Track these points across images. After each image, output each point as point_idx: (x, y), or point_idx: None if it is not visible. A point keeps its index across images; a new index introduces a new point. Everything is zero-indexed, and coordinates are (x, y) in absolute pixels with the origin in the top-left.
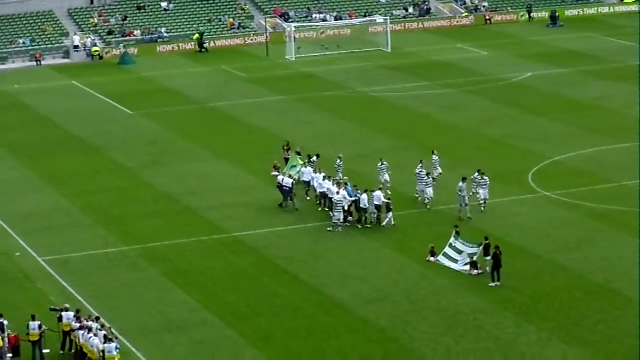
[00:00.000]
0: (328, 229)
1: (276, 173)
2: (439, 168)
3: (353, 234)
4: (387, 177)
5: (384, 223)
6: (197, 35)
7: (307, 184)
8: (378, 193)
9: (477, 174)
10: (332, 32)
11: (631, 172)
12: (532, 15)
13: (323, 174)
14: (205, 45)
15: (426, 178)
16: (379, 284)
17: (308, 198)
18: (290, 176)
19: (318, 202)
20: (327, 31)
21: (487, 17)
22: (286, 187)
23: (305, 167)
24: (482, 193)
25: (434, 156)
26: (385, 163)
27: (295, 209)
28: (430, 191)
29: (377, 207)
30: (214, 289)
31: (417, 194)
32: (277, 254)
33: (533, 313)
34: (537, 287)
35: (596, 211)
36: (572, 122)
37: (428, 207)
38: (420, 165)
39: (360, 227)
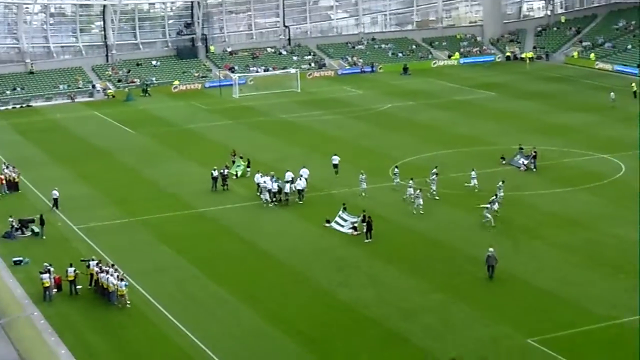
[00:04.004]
0: (264, 205)
1: (227, 170)
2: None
3: (273, 209)
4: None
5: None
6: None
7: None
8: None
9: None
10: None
11: (453, 168)
12: (408, 71)
13: (272, 174)
14: (148, 91)
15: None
16: (292, 240)
17: (259, 194)
18: (236, 172)
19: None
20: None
21: (362, 69)
22: (216, 177)
23: (262, 176)
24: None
25: (473, 172)
26: (363, 175)
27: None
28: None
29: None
30: None
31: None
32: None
33: (390, 258)
34: (393, 242)
35: (438, 193)
36: (416, 136)
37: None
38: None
39: (286, 203)
